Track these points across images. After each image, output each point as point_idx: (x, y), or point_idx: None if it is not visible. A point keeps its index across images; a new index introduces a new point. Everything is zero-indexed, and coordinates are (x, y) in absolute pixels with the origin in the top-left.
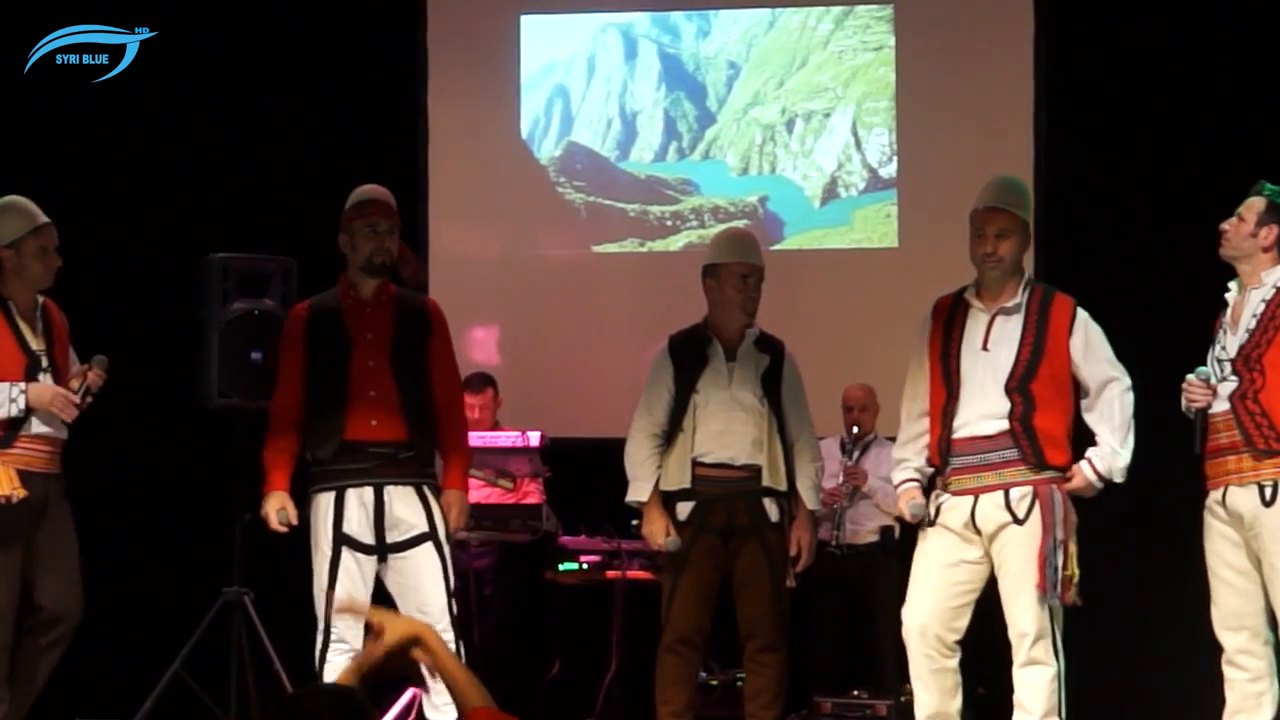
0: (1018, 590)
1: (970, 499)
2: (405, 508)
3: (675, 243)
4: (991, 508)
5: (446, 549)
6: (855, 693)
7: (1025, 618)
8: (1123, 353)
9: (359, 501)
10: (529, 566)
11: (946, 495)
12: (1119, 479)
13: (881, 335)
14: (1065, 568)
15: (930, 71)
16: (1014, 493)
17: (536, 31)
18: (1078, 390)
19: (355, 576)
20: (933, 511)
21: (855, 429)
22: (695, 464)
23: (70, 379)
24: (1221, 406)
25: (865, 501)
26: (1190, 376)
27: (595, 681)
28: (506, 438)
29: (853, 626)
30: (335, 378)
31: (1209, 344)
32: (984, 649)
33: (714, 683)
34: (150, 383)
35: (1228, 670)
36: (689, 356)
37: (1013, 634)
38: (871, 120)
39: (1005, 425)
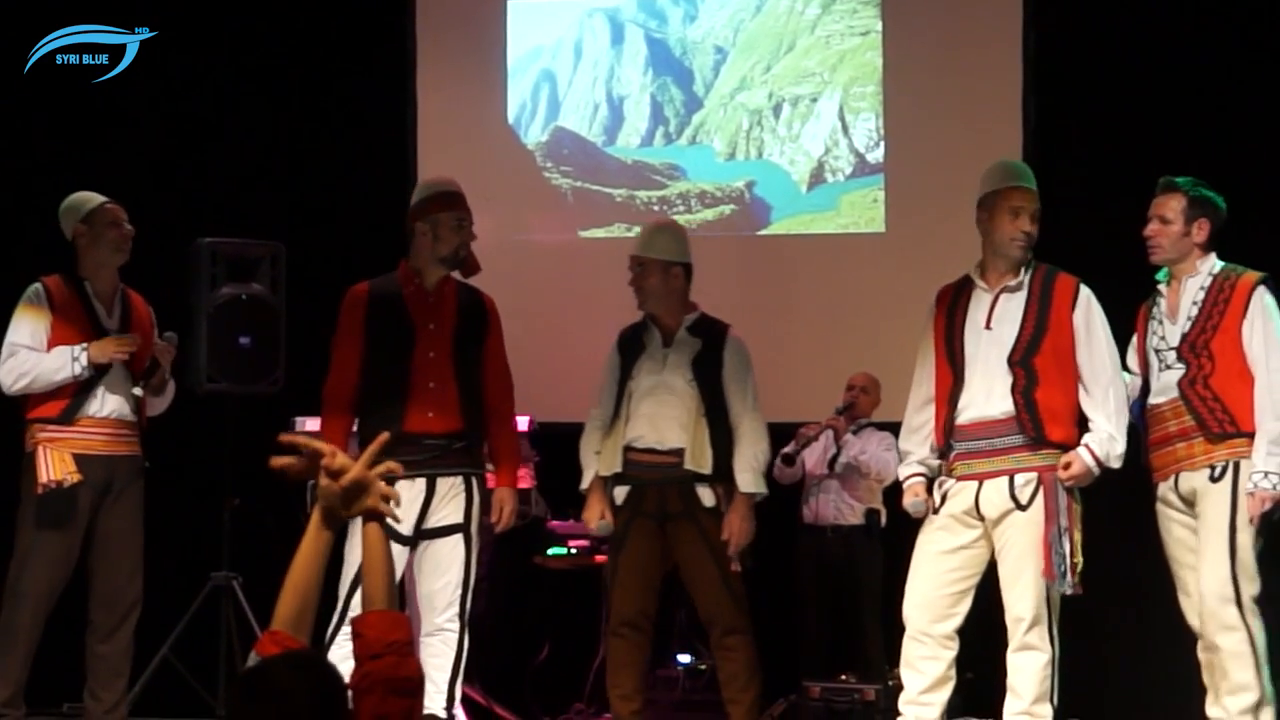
0: (1018, 575)
1: (975, 484)
2: (450, 499)
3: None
4: (995, 493)
5: (474, 543)
6: (843, 677)
7: (1023, 603)
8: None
9: (409, 493)
10: (517, 551)
11: (951, 481)
12: (1116, 464)
13: (868, 320)
14: (1072, 555)
15: (917, 56)
16: (1018, 479)
17: (523, 16)
18: None
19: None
20: (938, 499)
21: (850, 405)
22: (628, 449)
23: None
24: (1168, 395)
25: (851, 481)
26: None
27: (584, 666)
28: None
29: (838, 611)
30: (396, 367)
31: (1133, 334)
32: (974, 634)
33: (702, 667)
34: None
35: (1204, 657)
36: (631, 346)
37: (1009, 618)
38: (859, 105)
39: (1009, 402)
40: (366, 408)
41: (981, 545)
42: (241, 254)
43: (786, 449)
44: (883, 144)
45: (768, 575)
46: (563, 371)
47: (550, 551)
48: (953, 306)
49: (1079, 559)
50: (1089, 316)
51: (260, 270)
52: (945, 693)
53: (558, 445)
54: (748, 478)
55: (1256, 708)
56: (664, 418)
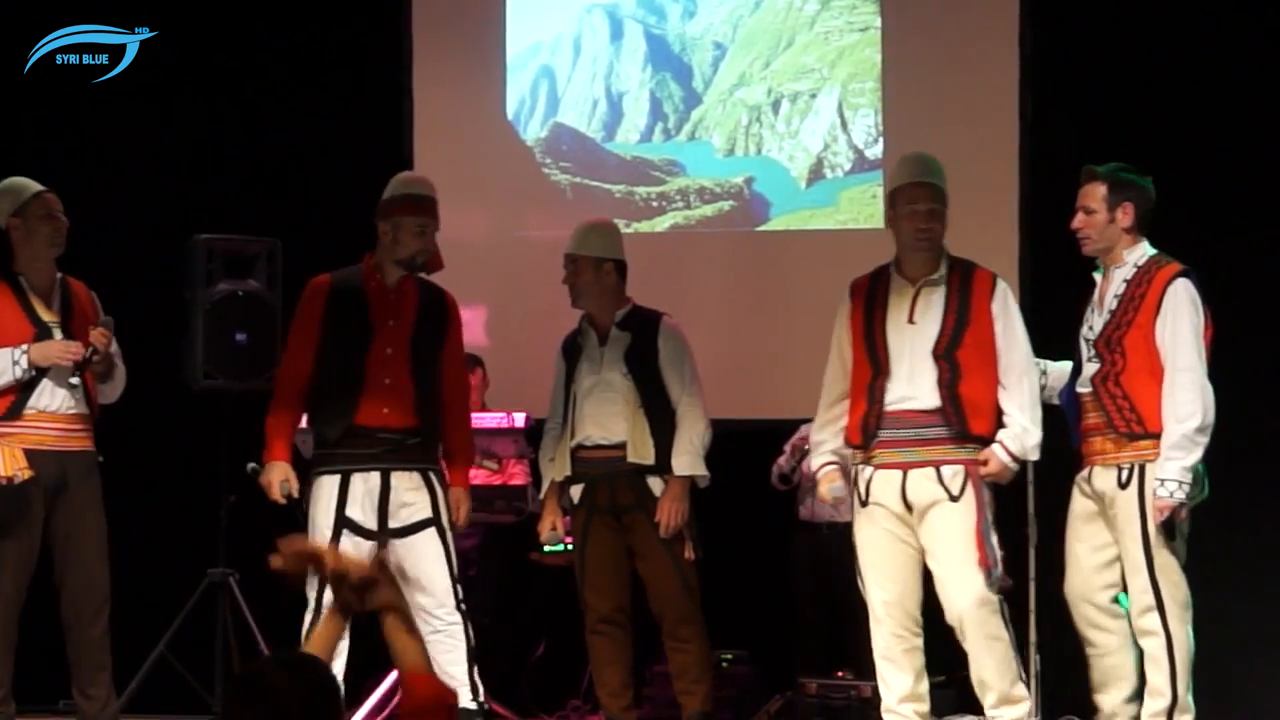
0: (958, 567)
1: (899, 474)
2: (410, 493)
3: (661, 224)
4: (923, 482)
5: (449, 535)
6: (839, 674)
7: (968, 595)
8: None
9: (364, 486)
10: (513, 548)
11: (871, 470)
12: (1033, 456)
13: None
14: (1000, 547)
15: (916, 52)
16: (945, 470)
17: (522, 12)
18: None
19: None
20: (862, 490)
21: None
22: (578, 449)
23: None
24: (1087, 388)
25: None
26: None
27: (580, 663)
28: (492, 419)
29: (834, 608)
30: (352, 362)
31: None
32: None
33: None
34: (135, 364)
35: (1086, 647)
36: (572, 351)
37: (953, 615)
38: (858, 101)
39: (935, 396)
40: (319, 400)
41: (915, 541)
42: (238, 250)
43: (781, 465)
44: (882, 140)
45: (764, 572)
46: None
47: (546, 548)
48: (870, 300)
49: (1001, 553)
50: (1006, 308)
51: (257, 266)
52: (926, 683)
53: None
54: (684, 460)
55: (1169, 713)
56: (606, 414)
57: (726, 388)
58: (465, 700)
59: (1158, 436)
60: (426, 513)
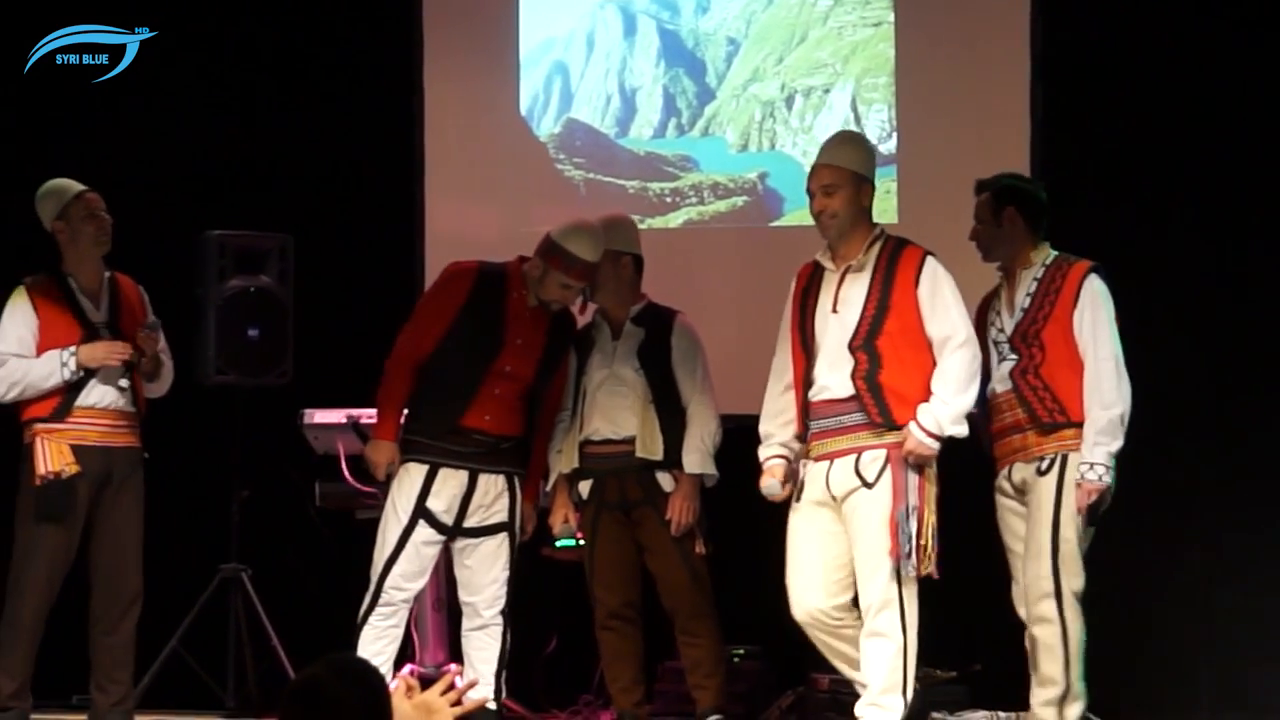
0: (866, 558)
1: (826, 465)
2: (492, 495)
3: (675, 219)
4: (843, 472)
5: (517, 540)
6: None
7: (872, 587)
8: (1123, 330)
9: (450, 481)
10: (525, 543)
11: (809, 462)
12: (952, 430)
13: None
14: (920, 536)
15: (930, 48)
16: (865, 456)
17: (535, 8)
18: None
19: (423, 553)
20: (799, 483)
21: None
22: (586, 443)
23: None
24: (1004, 386)
25: None
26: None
27: (592, 658)
28: None
29: None
30: (472, 368)
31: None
32: (981, 624)
33: None
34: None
35: (1030, 646)
36: (583, 344)
37: (861, 603)
38: (871, 96)
39: (849, 385)
40: (426, 386)
41: (843, 531)
42: (250, 246)
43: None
44: (895, 135)
45: (775, 568)
46: None
47: (559, 543)
48: (807, 288)
49: (928, 541)
50: (935, 286)
51: (269, 262)
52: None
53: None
54: (694, 458)
55: (1061, 701)
56: (616, 408)
57: (739, 383)
58: (486, 696)
59: (1079, 425)
60: (503, 517)
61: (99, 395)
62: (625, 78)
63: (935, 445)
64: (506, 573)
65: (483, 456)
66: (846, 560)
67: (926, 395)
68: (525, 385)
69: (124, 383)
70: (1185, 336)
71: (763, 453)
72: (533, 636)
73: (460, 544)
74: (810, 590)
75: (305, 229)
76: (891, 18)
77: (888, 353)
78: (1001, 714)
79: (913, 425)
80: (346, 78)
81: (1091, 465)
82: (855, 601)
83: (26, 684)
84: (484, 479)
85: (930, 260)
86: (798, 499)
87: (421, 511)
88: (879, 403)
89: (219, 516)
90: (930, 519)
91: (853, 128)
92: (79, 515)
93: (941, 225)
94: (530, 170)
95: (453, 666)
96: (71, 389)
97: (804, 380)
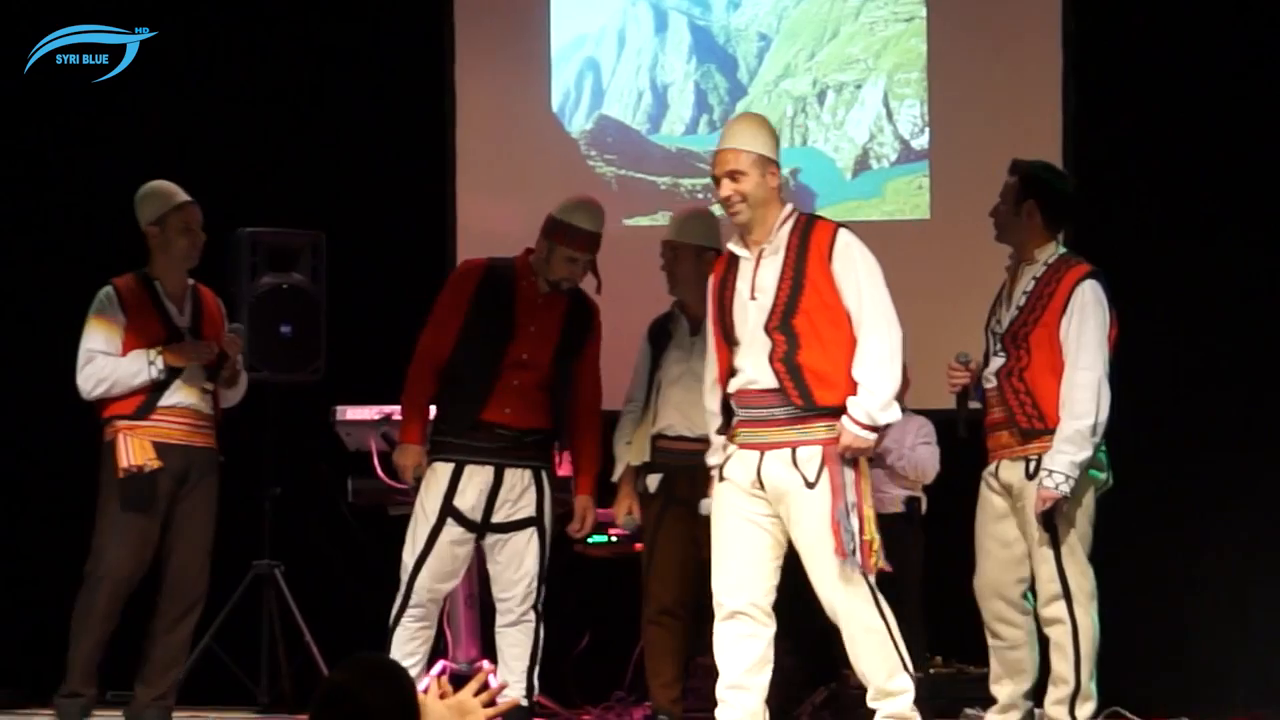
0: (817, 559)
1: (756, 455)
2: (519, 490)
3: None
4: (779, 466)
5: (548, 536)
6: None
7: (831, 585)
8: (1157, 327)
9: (476, 478)
10: (558, 539)
11: (733, 447)
12: (884, 418)
13: (912, 307)
14: (863, 532)
15: (962, 43)
16: (801, 453)
17: (566, 5)
18: None
19: (454, 552)
20: (719, 470)
21: None
22: (659, 438)
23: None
24: (991, 383)
25: (889, 470)
26: (952, 360)
27: (624, 655)
28: None
29: None
30: (487, 359)
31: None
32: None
33: None
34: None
35: (989, 638)
36: (659, 337)
37: (824, 604)
38: (903, 92)
39: (769, 372)
40: (447, 385)
41: (774, 523)
42: (282, 243)
43: None
44: (927, 130)
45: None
46: (605, 360)
47: (591, 540)
48: (725, 277)
49: (872, 535)
50: (849, 261)
51: (301, 259)
52: (767, 675)
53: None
54: None
55: (1072, 700)
56: (693, 405)
57: None
58: (517, 694)
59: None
60: (530, 512)
61: (181, 396)
62: (657, 74)
63: (871, 437)
64: (537, 568)
65: (507, 451)
66: (774, 552)
67: (848, 374)
68: (543, 374)
69: (208, 385)
70: (1219, 333)
71: (712, 459)
72: (565, 633)
73: (490, 540)
74: (732, 582)
75: (337, 226)
76: (923, 12)
77: (805, 331)
78: (1038, 709)
79: (845, 420)
80: (379, 75)
81: (1051, 473)
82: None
83: (92, 672)
84: (510, 474)
85: (843, 233)
86: (721, 477)
87: (449, 510)
88: (799, 384)
89: (252, 513)
90: (869, 513)
91: (885, 123)
92: (159, 510)
93: (974, 221)
94: (561, 167)
95: (485, 664)
96: (155, 389)
97: (729, 370)
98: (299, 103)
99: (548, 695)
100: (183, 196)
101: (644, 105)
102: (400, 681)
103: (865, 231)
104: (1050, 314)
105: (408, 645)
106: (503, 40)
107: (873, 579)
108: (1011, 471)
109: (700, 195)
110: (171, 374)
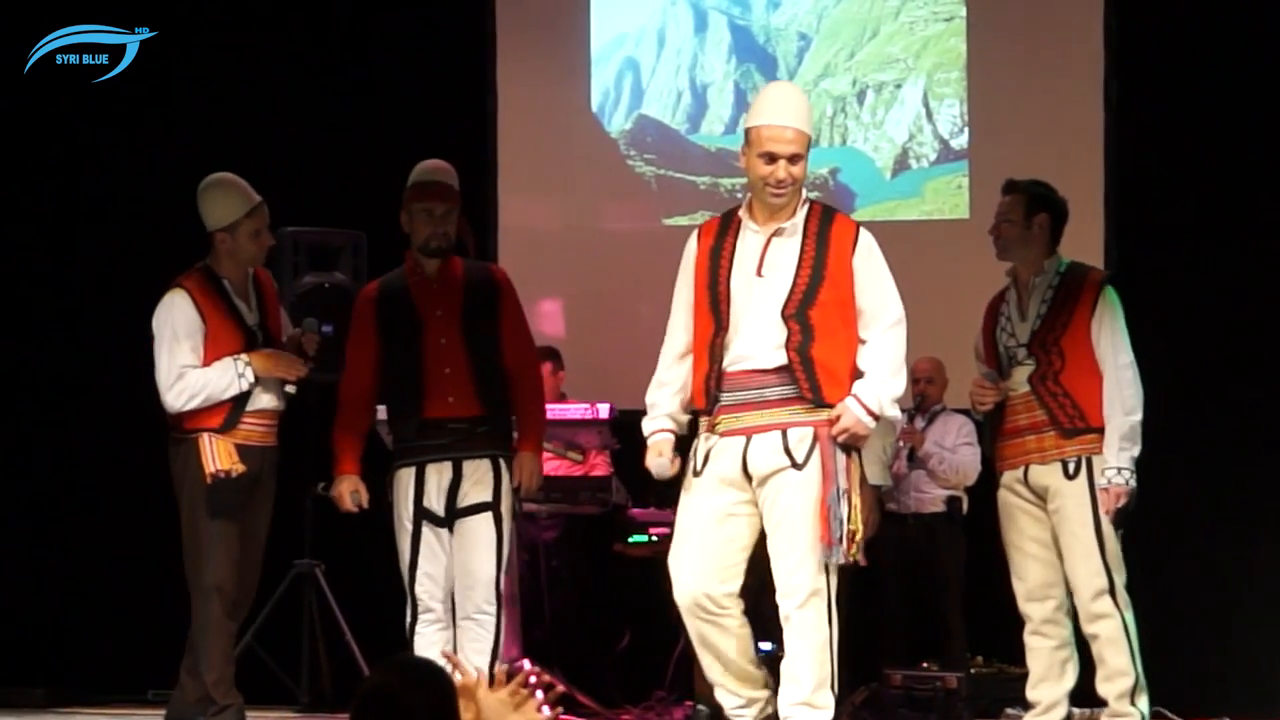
0: (793, 541)
1: (742, 440)
2: (476, 481)
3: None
4: (766, 450)
5: (506, 523)
6: (924, 665)
7: (801, 574)
8: (1197, 323)
9: (437, 476)
10: (598, 539)
11: (715, 438)
12: (891, 411)
13: (952, 306)
14: (849, 521)
15: (1001, 42)
16: (792, 434)
17: (606, 5)
18: None
19: (436, 550)
20: (700, 459)
21: (921, 400)
22: None
23: (286, 343)
24: (1019, 389)
25: (931, 471)
26: (980, 379)
27: (665, 654)
28: (576, 410)
29: (919, 598)
30: (409, 358)
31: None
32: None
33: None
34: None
35: (1033, 640)
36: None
37: (782, 594)
38: (943, 91)
39: (783, 357)
40: (392, 400)
41: (751, 513)
42: (323, 243)
43: None
44: (967, 130)
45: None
46: (644, 359)
47: (631, 539)
48: (717, 248)
49: (857, 526)
50: (869, 260)
51: (342, 259)
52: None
53: (639, 433)
54: (874, 470)
55: (1133, 692)
56: None
57: None
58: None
59: (1099, 431)
60: (485, 497)
61: (265, 400)
62: (696, 74)
63: (872, 424)
64: (494, 556)
65: (461, 444)
66: (747, 544)
67: (851, 373)
68: (468, 353)
69: (290, 388)
70: (1261, 335)
71: (648, 425)
72: (605, 632)
73: (453, 527)
74: (699, 573)
75: (378, 226)
76: (963, 12)
77: (820, 325)
78: (1076, 711)
79: (851, 402)
80: (421, 76)
81: (1119, 470)
82: (742, 593)
83: (227, 681)
84: (468, 465)
85: (865, 232)
86: (698, 472)
87: (422, 513)
88: (810, 378)
89: (293, 512)
90: (858, 502)
91: (924, 123)
92: (240, 513)
93: None
94: (601, 166)
95: (526, 663)
96: (240, 397)
97: (709, 349)
98: (341, 103)
99: (588, 694)
100: (256, 197)
101: (683, 105)
102: (440, 683)
103: (904, 231)
104: (1079, 318)
105: (429, 652)
106: (543, 40)
107: (834, 581)
108: (1045, 474)
109: (740, 195)
110: (256, 381)
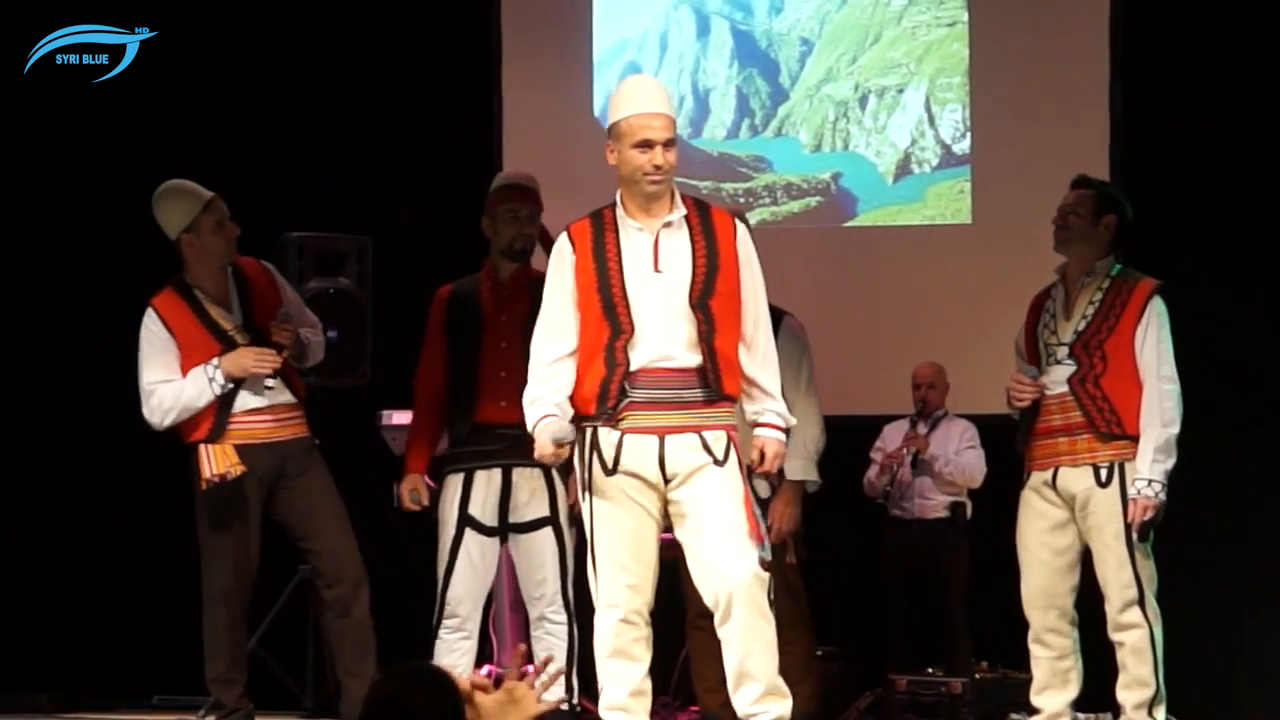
0: (726, 538)
1: (654, 440)
2: (530, 490)
3: (748, 220)
4: (685, 449)
5: (567, 533)
6: (929, 670)
7: (740, 569)
8: (1202, 328)
9: (486, 484)
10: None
11: (618, 433)
12: (791, 420)
13: (954, 312)
14: (766, 519)
15: (1004, 47)
16: (708, 435)
17: (609, 10)
18: None
19: (475, 557)
20: (609, 455)
21: (923, 405)
22: None
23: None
24: (1058, 389)
25: (936, 475)
26: (1018, 374)
27: (669, 659)
28: None
29: (924, 603)
30: (468, 360)
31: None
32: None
33: None
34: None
35: (1035, 648)
36: None
37: (720, 592)
38: (945, 96)
39: (697, 355)
40: (450, 402)
41: (660, 518)
42: (329, 248)
43: (873, 481)
44: (969, 135)
45: (853, 568)
46: None
47: None
48: (599, 250)
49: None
50: (750, 253)
51: (347, 264)
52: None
53: None
54: (797, 465)
55: (1152, 703)
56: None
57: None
58: (561, 696)
59: (1134, 439)
60: (544, 511)
61: (252, 399)
62: (698, 78)
63: (784, 439)
64: (558, 568)
65: (512, 450)
66: (656, 551)
67: (739, 363)
68: (525, 360)
69: (270, 383)
70: (1274, 338)
71: (532, 415)
72: None
73: (511, 542)
74: (622, 587)
75: (384, 230)
76: (966, 17)
77: (719, 315)
78: (1081, 715)
79: (768, 431)
80: (426, 81)
81: (1149, 481)
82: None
83: (236, 686)
84: (518, 474)
85: (740, 224)
86: (609, 470)
87: (465, 520)
88: (714, 369)
89: None
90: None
91: (926, 128)
92: (251, 514)
93: (1017, 227)
94: (605, 171)
95: (531, 667)
96: (224, 403)
97: (606, 353)
98: (346, 108)
99: (591, 700)
100: (205, 193)
101: (685, 110)
102: (446, 689)
103: (906, 236)
104: (1125, 324)
105: (448, 657)
106: (547, 46)
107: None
108: (1075, 479)
109: (742, 200)
110: (236, 384)
